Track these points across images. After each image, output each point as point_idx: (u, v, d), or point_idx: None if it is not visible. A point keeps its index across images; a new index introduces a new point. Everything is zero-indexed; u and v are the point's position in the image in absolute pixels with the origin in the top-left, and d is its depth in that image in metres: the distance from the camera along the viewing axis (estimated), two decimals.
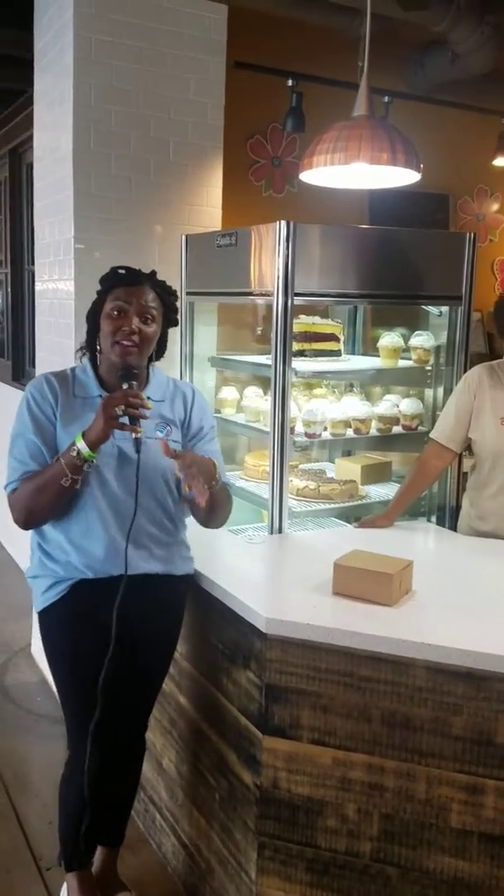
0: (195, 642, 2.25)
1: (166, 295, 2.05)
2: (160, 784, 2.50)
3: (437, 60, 3.82)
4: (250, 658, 1.97)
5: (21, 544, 5.08)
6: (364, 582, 1.99)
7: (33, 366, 5.10)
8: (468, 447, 2.65)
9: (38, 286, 3.70)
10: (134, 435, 1.88)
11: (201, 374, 3.27)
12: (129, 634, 2.01)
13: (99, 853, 2.26)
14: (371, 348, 3.52)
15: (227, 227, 3.36)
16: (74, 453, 1.89)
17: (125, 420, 1.86)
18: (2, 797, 2.78)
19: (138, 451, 1.91)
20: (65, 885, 2.19)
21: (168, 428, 2.07)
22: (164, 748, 2.45)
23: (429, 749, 1.80)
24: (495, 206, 5.02)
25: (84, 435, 1.89)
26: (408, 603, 2.00)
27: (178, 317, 2.14)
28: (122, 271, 2.03)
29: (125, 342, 1.97)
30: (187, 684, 2.32)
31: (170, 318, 2.08)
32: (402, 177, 2.30)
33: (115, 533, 2.00)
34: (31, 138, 4.76)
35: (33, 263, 5.10)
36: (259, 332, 3.62)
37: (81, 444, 1.88)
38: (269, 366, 2.85)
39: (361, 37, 3.27)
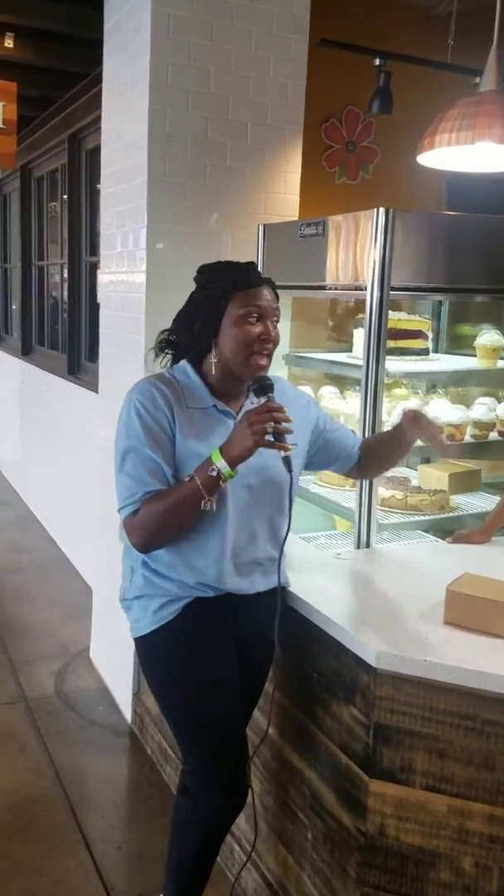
0: (285, 667, 2.07)
1: (276, 292, 1.88)
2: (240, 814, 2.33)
3: None
4: (354, 692, 1.79)
5: (77, 544, 4.98)
6: (482, 611, 1.79)
7: (90, 360, 4.98)
8: None
9: (103, 278, 3.55)
10: (283, 453, 1.73)
11: (273, 373, 3.08)
12: (249, 656, 1.90)
13: None
14: (456, 346, 3.31)
15: (302, 217, 3.17)
16: (214, 472, 1.72)
17: (270, 437, 1.70)
18: (67, 818, 2.65)
19: (290, 470, 1.75)
20: None
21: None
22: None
23: None
24: None
25: (223, 452, 1.72)
26: None
27: None
28: (242, 271, 1.84)
29: (263, 351, 1.80)
30: (275, 711, 2.14)
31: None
32: None
33: (240, 552, 1.87)
34: (92, 123, 4.64)
35: (91, 254, 5.01)
36: (333, 328, 3.43)
37: (222, 464, 1.71)
38: (352, 365, 2.67)
39: (454, 13, 3.06)
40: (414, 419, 2.02)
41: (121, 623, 3.20)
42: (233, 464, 1.72)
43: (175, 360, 1.96)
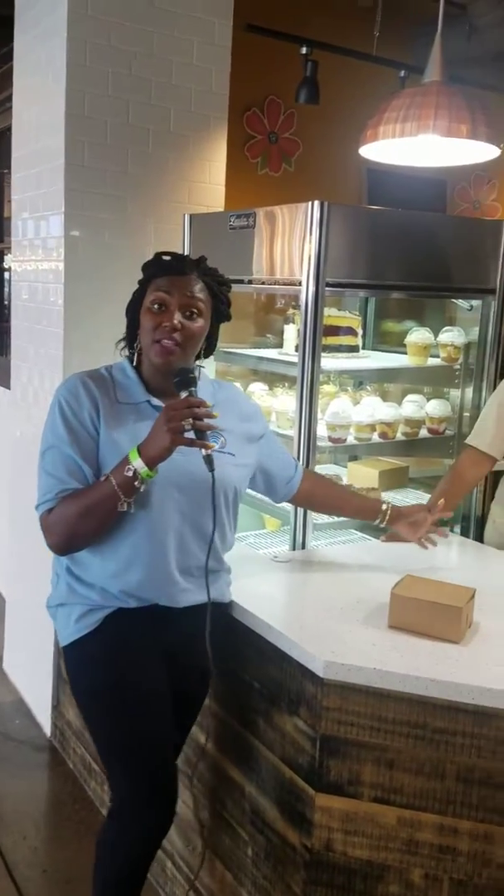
0: (223, 677, 1.98)
1: (217, 285, 1.78)
2: (173, 830, 2.22)
3: (453, 35, 3.58)
4: (299, 703, 1.72)
5: None
6: (427, 615, 1.75)
7: (2, 354, 4.74)
8: None
9: (16, 267, 3.36)
10: (204, 451, 1.62)
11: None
12: (181, 672, 1.81)
13: None
14: (381, 342, 3.29)
15: (229, 209, 3.08)
16: (130, 473, 1.61)
17: (191, 434, 1.60)
18: None
19: (212, 470, 1.64)
20: None
21: (222, 437, 1.79)
22: (179, 791, 2.18)
23: None
24: (493, 195, 4.83)
25: (140, 451, 1.61)
26: (475, 639, 1.77)
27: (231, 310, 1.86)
28: (167, 258, 1.75)
29: (166, 341, 1.69)
30: (211, 723, 2.06)
31: (220, 312, 1.81)
32: (477, 153, 2.05)
33: (165, 559, 1.75)
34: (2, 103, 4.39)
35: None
36: (262, 324, 3.35)
37: (139, 463, 1.60)
38: (283, 362, 2.61)
39: (379, 5, 3.03)
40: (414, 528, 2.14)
41: (38, 632, 3.06)
42: (151, 463, 1.62)
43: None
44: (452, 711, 1.57)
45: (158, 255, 1.80)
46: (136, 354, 1.80)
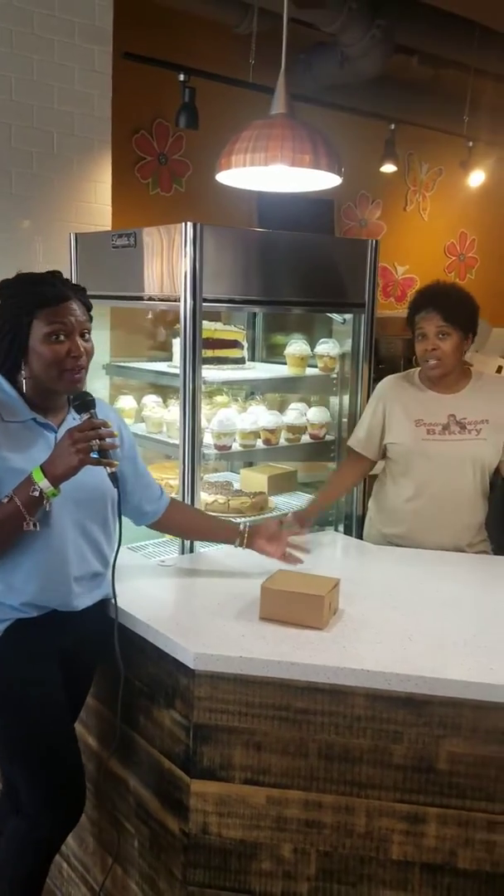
0: (106, 678, 2.06)
1: (87, 301, 1.86)
2: None
3: (325, 62, 3.79)
4: (174, 696, 1.82)
5: None
6: (293, 605, 1.88)
7: None
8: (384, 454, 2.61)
9: None
10: (110, 469, 1.73)
11: (92, 383, 3.05)
12: (72, 670, 1.89)
13: None
14: (268, 355, 3.44)
15: (118, 227, 3.18)
16: (36, 493, 1.67)
17: (95, 454, 1.69)
18: None
19: (117, 486, 1.76)
20: None
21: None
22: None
23: (368, 780, 1.72)
24: (377, 213, 5.07)
25: (45, 471, 1.68)
26: (337, 625, 1.90)
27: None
28: (46, 285, 1.78)
29: (75, 369, 1.77)
30: (96, 724, 2.13)
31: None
32: (323, 180, 2.21)
33: (65, 569, 1.83)
34: None
35: None
36: (153, 338, 3.45)
37: (45, 483, 1.68)
38: (173, 374, 2.71)
39: (254, 34, 3.19)
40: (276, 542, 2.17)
41: None
42: (56, 482, 1.70)
43: None
44: (311, 692, 1.70)
45: (31, 283, 1.80)
46: (12, 376, 1.82)
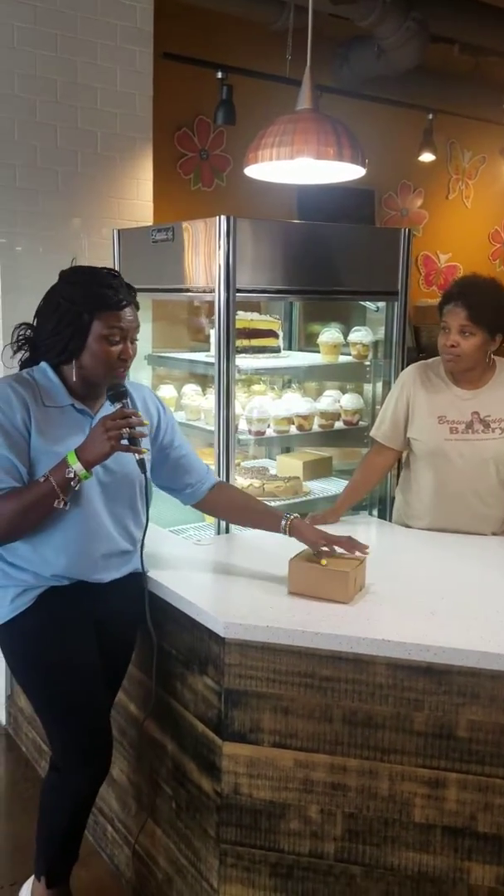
0: (145, 648, 2.18)
1: (137, 302, 1.99)
2: (111, 795, 2.43)
3: (362, 55, 3.85)
4: (207, 663, 1.93)
5: None
6: (320, 580, 1.97)
7: None
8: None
9: None
10: (138, 456, 1.86)
11: (136, 373, 3.19)
12: (108, 640, 2.02)
13: None
14: (306, 344, 3.52)
15: (160, 222, 3.29)
16: (71, 475, 1.81)
17: (125, 441, 1.82)
18: None
19: (145, 472, 1.90)
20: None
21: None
22: (115, 758, 2.37)
23: (391, 746, 1.80)
24: (419, 202, 5.10)
25: (78, 455, 1.81)
26: (363, 600, 1.99)
27: None
28: (111, 290, 1.90)
29: (121, 369, 1.92)
30: (138, 692, 2.26)
31: None
32: (347, 172, 2.29)
33: (92, 545, 1.96)
34: None
35: None
36: (194, 329, 3.56)
37: (78, 466, 1.81)
38: (210, 363, 2.81)
39: (290, 30, 3.27)
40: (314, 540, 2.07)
41: None
42: (88, 466, 1.83)
43: (32, 357, 2.03)
44: (335, 660, 1.79)
45: (98, 286, 1.90)
46: (58, 363, 1.96)
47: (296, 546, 2.14)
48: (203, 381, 3.29)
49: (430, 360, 2.61)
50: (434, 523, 2.55)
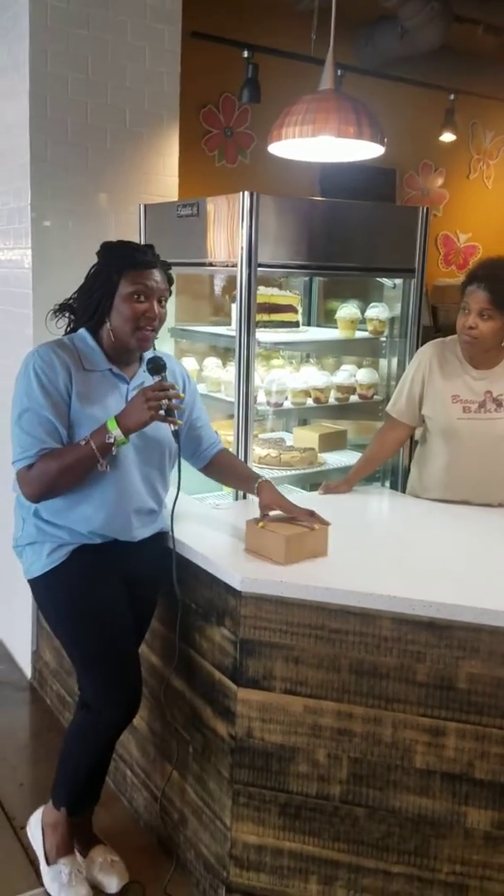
0: (167, 603, 2.32)
1: (170, 274, 2.09)
2: (131, 742, 2.58)
3: (386, 35, 3.90)
4: (224, 616, 2.06)
5: None
6: (263, 541, 2.09)
7: None
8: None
9: None
10: (173, 426, 1.99)
11: (159, 345, 3.29)
12: (134, 597, 2.17)
13: None
14: (325, 320, 3.61)
15: (184, 198, 3.38)
16: (110, 440, 1.94)
17: (162, 412, 1.95)
18: None
19: (178, 441, 2.03)
20: (37, 824, 2.28)
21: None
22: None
23: (394, 695, 1.92)
24: (440, 181, 5.14)
25: (119, 421, 1.94)
26: (372, 560, 2.11)
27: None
28: (139, 252, 2.03)
29: (147, 329, 2.02)
30: (159, 644, 2.39)
31: (169, 293, 2.12)
32: (367, 150, 2.38)
33: (126, 505, 2.09)
34: None
35: None
36: (216, 303, 3.66)
37: (117, 432, 1.94)
38: (230, 337, 2.92)
39: (316, 10, 3.33)
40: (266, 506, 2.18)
41: (18, 590, 3.38)
42: (127, 433, 1.96)
43: (73, 323, 2.16)
44: (343, 614, 1.91)
45: (129, 248, 2.06)
46: (96, 327, 2.08)
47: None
48: (224, 354, 3.40)
49: (446, 339, 2.67)
50: (445, 495, 2.65)
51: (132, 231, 3.17)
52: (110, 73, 3.17)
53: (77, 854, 2.26)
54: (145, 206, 3.12)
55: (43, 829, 2.26)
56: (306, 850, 2.04)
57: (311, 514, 2.13)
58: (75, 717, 2.25)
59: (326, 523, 2.12)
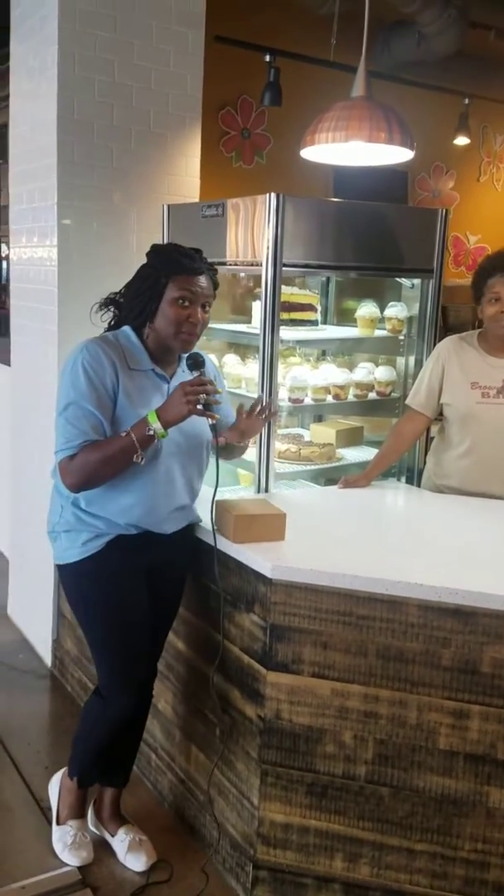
0: (196, 591, 2.39)
1: (216, 280, 2.15)
2: (155, 726, 2.65)
3: (402, 40, 3.97)
4: (254, 602, 2.13)
5: None
6: (222, 520, 2.20)
7: (4, 335, 5.11)
8: (441, 412, 2.83)
9: (14, 253, 3.74)
10: (211, 421, 2.04)
11: None
12: (164, 584, 2.24)
13: (106, 793, 2.44)
14: (341, 318, 3.68)
15: (203, 198, 3.45)
16: (150, 432, 2.00)
17: (200, 406, 2.00)
18: None
19: (216, 435, 2.08)
20: (56, 784, 2.45)
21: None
22: (160, 692, 2.59)
23: (420, 679, 2.00)
24: (450, 184, 5.22)
25: (159, 415, 2.00)
26: (396, 551, 2.19)
27: None
28: (187, 258, 2.08)
29: (189, 333, 2.08)
30: (185, 630, 2.47)
31: (214, 297, 2.18)
32: (397, 155, 2.45)
33: (165, 498, 2.16)
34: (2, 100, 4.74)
35: None
36: (236, 301, 3.73)
37: (157, 425, 1.99)
38: (251, 334, 2.99)
39: (336, 15, 3.40)
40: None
41: (40, 583, 3.46)
42: (166, 426, 2.01)
43: (116, 319, 2.22)
44: (371, 601, 1.98)
45: (179, 253, 2.11)
46: (140, 326, 2.14)
47: (330, 502, 2.31)
48: (242, 351, 3.47)
49: (463, 334, 2.80)
50: (462, 483, 2.73)
51: (155, 231, 3.24)
52: (135, 75, 3.24)
53: (88, 820, 2.41)
54: (168, 206, 3.19)
55: (60, 791, 2.42)
56: (332, 829, 2.12)
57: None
58: (89, 700, 2.36)
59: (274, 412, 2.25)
